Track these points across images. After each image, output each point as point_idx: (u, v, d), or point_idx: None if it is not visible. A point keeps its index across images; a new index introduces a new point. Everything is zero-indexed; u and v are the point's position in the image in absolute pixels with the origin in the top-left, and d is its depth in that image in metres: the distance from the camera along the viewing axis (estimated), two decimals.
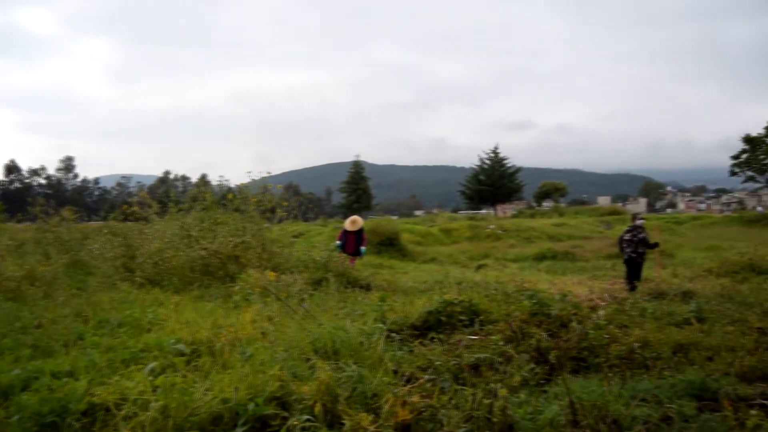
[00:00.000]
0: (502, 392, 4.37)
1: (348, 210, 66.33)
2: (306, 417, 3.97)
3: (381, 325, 6.69)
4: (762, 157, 54.21)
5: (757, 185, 62.78)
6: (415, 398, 4.27)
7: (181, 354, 5.66)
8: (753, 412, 4.57)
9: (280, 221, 15.28)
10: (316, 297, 9.79)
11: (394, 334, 6.81)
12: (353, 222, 15.47)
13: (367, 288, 12.12)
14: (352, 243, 15.12)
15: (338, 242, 15.26)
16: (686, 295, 10.93)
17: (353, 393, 4.47)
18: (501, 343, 6.32)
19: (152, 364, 4.97)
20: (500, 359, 5.85)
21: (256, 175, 15.62)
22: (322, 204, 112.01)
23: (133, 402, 4.13)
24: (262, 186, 15.70)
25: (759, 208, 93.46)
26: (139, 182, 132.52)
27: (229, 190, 16.90)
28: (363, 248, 15.33)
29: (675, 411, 4.71)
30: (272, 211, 14.88)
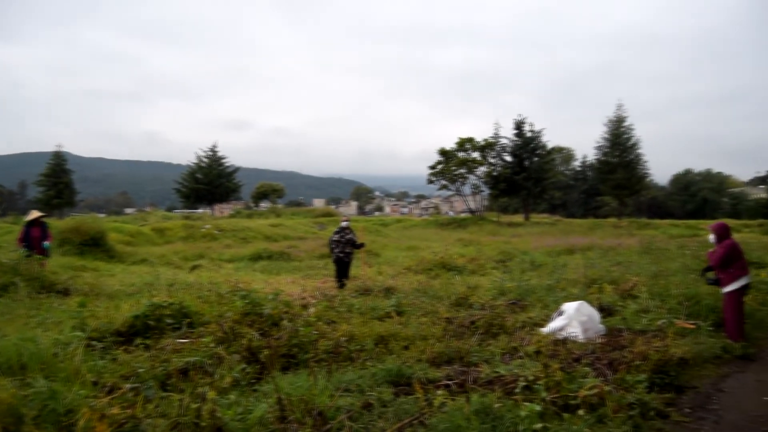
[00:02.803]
0: (211, 395, 4.28)
1: (46, 206, 59.54)
2: None
3: (80, 333, 6.13)
4: (454, 168, 61.44)
5: (449, 192, 70.92)
6: (115, 410, 3.97)
7: None
8: (440, 392, 5.13)
9: None
10: (1, 305, 8.60)
11: (95, 342, 6.29)
12: (32, 215, 13.80)
13: (66, 293, 11.00)
14: (37, 241, 13.37)
15: (22, 244, 13.21)
16: (388, 291, 11.84)
17: (42, 411, 4.00)
18: (212, 344, 6.20)
19: None
20: (211, 361, 5.73)
21: None
22: (15, 199, 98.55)
23: None
24: None
25: (450, 213, 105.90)
26: None
27: None
28: (46, 243, 13.62)
29: (375, 398, 5.08)
30: None
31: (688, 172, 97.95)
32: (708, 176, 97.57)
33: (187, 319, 7.38)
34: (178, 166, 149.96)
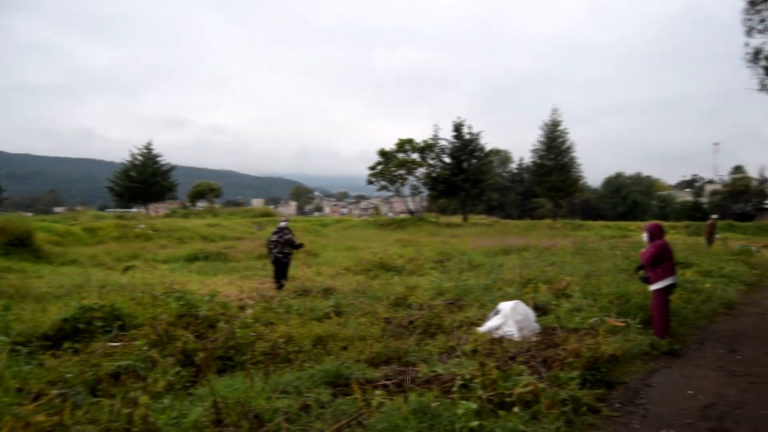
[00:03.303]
0: (144, 399, 4.17)
1: None
2: None
3: (3, 338, 5.87)
4: (393, 169, 61.80)
5: (389, 193, 71.28)
6: (41, 417, 3.81)
7: None
8: (378, 392, 5.14)
9: None
10: None
11: (20, 347, 6.04)
12: None
13: None
14: None
15: None
16: (327, 292, 11.83)
17: None
18: (145, 348, 6.05)
19: None
20: (144, 365, 5.59)
21: None
22: None
23: None
24: None
25: (390, 213, 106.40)
26: None
27: None
28: None
29: (313, 399, 5.05)
30: None
31: (619, 176, 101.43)
32: (638, 179, 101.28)
33: (119, 322, 7.18)
34: (111, 163, 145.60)
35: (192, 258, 22.41)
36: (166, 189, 68.94)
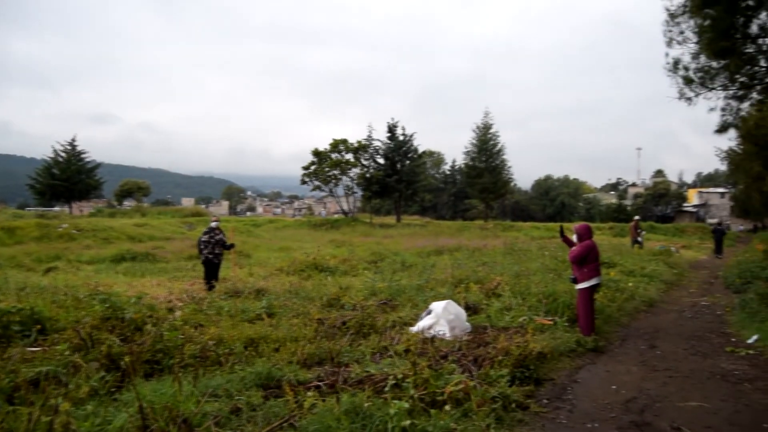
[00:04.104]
0: (65, 406, 4.01)
1: None
2: None
3: None
4: (327, 169, 61.52)
5: (323, 193, 70.99)
6: None
7: None
8: (310, 393, 5.11)
9: None
10: None
11: None
12: None
13: None
14: None
15: None
16: (259, 293, 11.69)
17: None
18: (68, 352, 5.82)
19: None
20: (66, 371, 5.38)
21: None
22: None
23: None
24: None
25: (323, 214, 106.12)
26: None
27: None
28: None
29: (244, 402, 4.98)
30: None
31: (548, 178, 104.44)
32: (566, 182, 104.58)
33: (39, 326, 6.88)
34: (32, 160, 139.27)
35: (118, 259, 21.70)
36: (91, 187, 66.39)
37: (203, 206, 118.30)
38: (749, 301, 11.20)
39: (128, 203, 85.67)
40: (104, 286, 10.76)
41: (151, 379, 5.60)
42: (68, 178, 62.88)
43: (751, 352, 8.03)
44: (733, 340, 8.92)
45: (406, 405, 4.62)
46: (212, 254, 13.27)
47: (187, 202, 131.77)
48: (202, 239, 13.44)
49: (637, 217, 28.15)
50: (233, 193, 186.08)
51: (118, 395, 5.05)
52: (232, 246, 13.83)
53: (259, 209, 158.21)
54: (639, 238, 25.32)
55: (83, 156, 66.33)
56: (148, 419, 4.10)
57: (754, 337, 8.70)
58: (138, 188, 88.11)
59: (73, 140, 66.05)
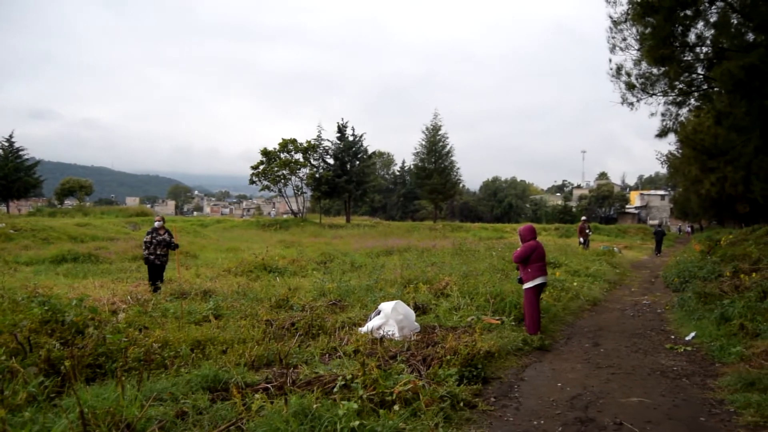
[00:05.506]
0: (0, 414, 3.85)
1: None
2: None
3: None
4: (276, 169, 60.98)
5: (272, 194, 70.32)
6: None
7: None
8: (258, 395, 5.05)
9: None
10: None
11: None
12: None
13: None
14: None
15: None
16: (206, 294, 11.51)
17: None
18: (4, 357, 5.59)
19: None
20: (2, 376, 5.17)
21: None
22: None
23: None
24: None
25: (272, 214, 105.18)
26: None
27: None
28: None
29: (190, 405, 4.89)
30: None
31: (496, 180, 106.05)
32: (513, 184, 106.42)
33: None
34: None
35: (59, 260, 21.01)
36: (30, 185, 64.11)
37: (148, 206, 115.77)
38: (687, 299, 11.60)
39: (69, 202, 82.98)
40: (44, 288, 10.40)
41: (93, 384, 5.45)
42: (5, 175, 60.57)
43: (689, 348, 8.33)
44: (672, 337, 9.24)
45: (355, 406, 4.62)
46: (154, 255, 12.99)
47: (132, 202, 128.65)
48: (146, 239, 13.16)
49: (584, 218, 28.85)
50: (180, 193, 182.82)
51: (58, 401, 4.88)
52: (176, 246, 13.58)
53: (207, 209, 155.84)
54: (583, 237, 25.95)
55: (21, 153, 64.07)
56: (89, 425, 3.98)
57: (692, 335, 9.02)
58: (80, 187, 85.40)
59: (11, 136, 63.75)
